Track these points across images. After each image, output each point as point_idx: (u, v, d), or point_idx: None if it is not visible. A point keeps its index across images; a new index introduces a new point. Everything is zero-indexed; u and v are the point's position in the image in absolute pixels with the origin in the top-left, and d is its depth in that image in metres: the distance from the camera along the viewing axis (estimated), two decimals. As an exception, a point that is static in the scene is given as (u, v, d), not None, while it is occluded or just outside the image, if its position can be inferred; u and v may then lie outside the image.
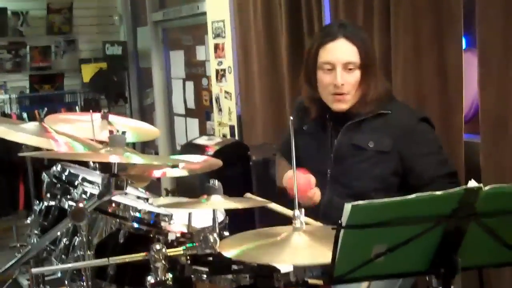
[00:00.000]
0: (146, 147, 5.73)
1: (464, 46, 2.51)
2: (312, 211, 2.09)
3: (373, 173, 2.16)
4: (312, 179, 2.17)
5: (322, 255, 1.43)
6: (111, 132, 1.79)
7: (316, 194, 2.17)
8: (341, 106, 2.18)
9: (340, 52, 2.14)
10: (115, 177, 1.72)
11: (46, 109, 2.92)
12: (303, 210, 1.59)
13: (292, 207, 1.60)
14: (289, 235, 1.55)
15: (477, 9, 2.32)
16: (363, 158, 2.17)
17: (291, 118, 1.70)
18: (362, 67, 2.14)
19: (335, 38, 2.15)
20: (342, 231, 1.25)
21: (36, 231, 2.32)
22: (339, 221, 1.24)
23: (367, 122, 2.18)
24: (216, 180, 1.86)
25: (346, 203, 1.23)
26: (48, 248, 2.18)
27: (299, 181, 2.11)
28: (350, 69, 2.13)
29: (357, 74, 2.14)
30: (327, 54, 2.15)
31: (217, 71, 4.33)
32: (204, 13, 4.44)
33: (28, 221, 2.44)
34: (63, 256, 2.08)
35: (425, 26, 2.56)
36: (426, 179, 2.09)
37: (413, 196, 1.24)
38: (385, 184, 2.16)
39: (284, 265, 1.72)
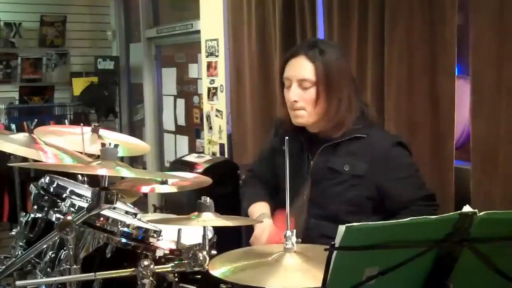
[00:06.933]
0: (134, 162, 5.70)
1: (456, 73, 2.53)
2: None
3: (348, 196, 2.14)
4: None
5: (313, 277, 1.42)
6: (103, 144, 1.77)
7: None
8: (298, 120, 2.18)
9: (296, 69, 2.15)
10: (105, 190, 1.69)
11: (36, 120, 2.87)
12: (294, 231, 1.59)
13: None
14: (280, 256, 1.54)
15: (471, 38, 2.33)
16: (338, 181, 2.15)
17: (286, 138, 1.69)
18: (320, 85, 2.12)
19: (297, 54, 2.16)
20: (334, 252, 1.24)
21: (21, 243, 2.28)
22: (332, 242, 1.23)
23: (343, 145, 2.16)
24: (208, 197, 1.85)
25: (340, 225, 1.22)
26: (32, 261, 2.15)
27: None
28: (306, 86, 2.13)
29: (312, 91, 2.13)
30: (287, 69, 2.18)
31: (209, 89, 4.32)
32: (198, 32, 4.45)
33: (13, 233, 2.41)
34: (48, 269, 2.05)
35: (418, 55, 2.57)
36: (403, 203, 2.09)
37: (407, 219, 1.23)
38: (359, 207, 2.14)
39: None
